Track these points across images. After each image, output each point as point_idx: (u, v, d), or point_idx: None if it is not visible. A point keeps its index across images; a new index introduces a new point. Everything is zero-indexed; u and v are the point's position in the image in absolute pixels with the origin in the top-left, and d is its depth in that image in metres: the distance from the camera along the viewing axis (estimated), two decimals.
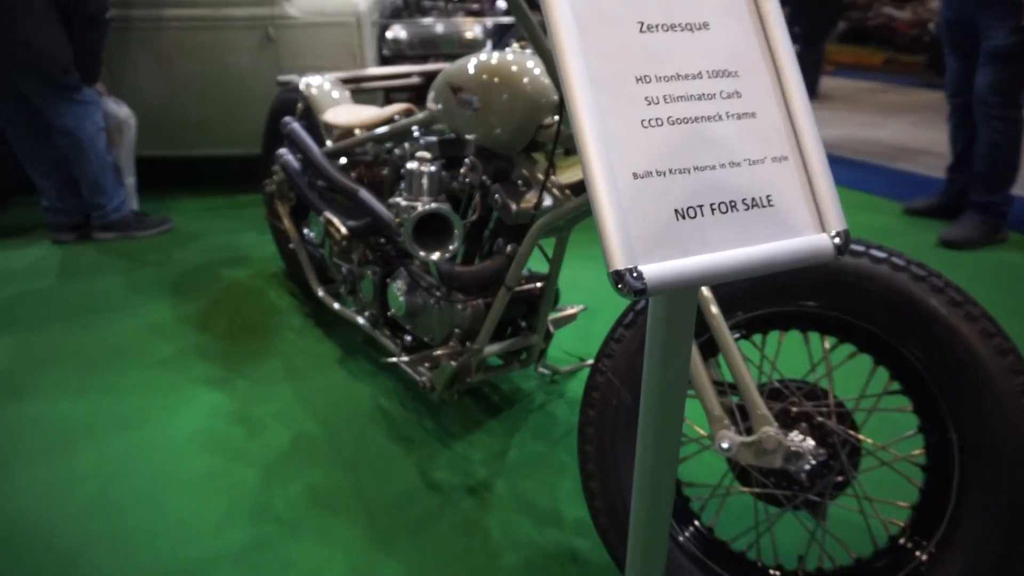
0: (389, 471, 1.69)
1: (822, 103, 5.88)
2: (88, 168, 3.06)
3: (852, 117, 5.48)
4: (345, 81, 2.57)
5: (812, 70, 5.85)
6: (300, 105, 2.36)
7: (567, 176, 1.54)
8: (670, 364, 0.75)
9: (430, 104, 1.69)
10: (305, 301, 2.56)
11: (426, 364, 1.73)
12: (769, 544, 1.29)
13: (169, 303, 2.58)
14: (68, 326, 2.42)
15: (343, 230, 1.91)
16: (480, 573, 1.40)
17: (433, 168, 1.55)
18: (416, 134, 1.87)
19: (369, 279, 1.95)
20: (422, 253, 1.46)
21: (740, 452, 1.11)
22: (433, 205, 1.49)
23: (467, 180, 1.64)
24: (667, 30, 0.69)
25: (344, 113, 2.09)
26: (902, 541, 1.15)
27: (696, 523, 1.28)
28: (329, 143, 2.15)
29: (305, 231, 2.55)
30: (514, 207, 1.55)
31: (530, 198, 1.57)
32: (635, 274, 0.61)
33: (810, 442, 1.14)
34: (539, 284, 1.74)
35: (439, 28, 3.83)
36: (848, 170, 4.11)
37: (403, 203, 1.53)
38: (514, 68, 1.47)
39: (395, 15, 3.99)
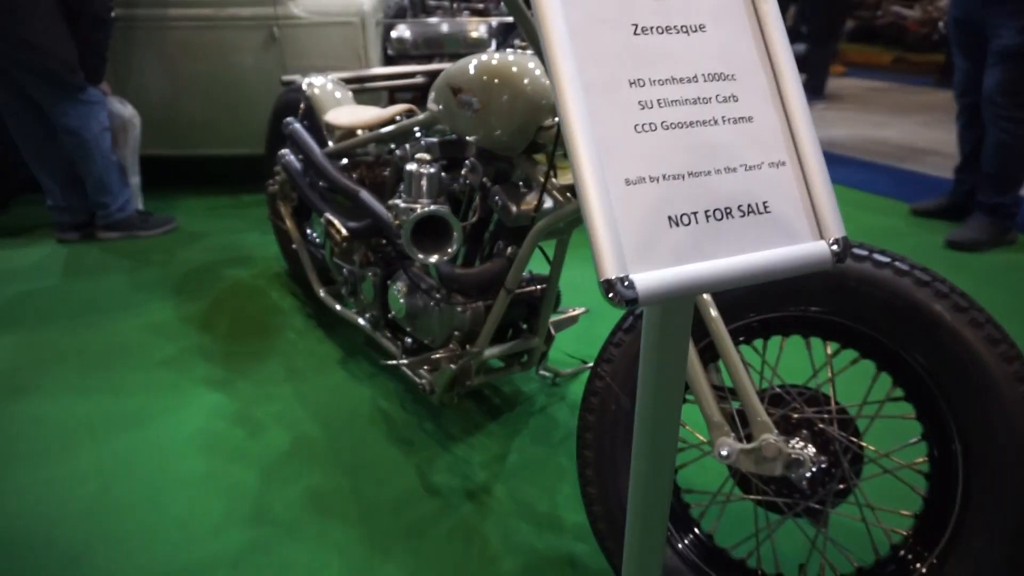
0: (388, 474, 1.68)
1: (829, 103, 5.84)
2: (93, 167, 3.06)
3: (860, 117, 5.44)
4: (348, 81, 2.56)
5: (820, 70, 5.82)
6: (302, 105, 2.36)
7: (568, 178, 1.53)
8: (665, 373, 0.73)
9: (430, 105, 1.67)
10: (307, 302, 2.55)
11: (426, 367, 1.72)
12: (769, 552, 1.27)
13: (172, 303, 2.58)
14: (71, 325, 2.42)
15: (343, 231, 1.90)
16: None
17: (432, 170, 1.54)
18: (418, 134, 1.87)
19: (370, 280, 1.94)
20: (420, 256, 1.45)
21: (740, 459, 1.10)
22: (432, 207, 1.48)
23: (467, 182, 1.63)
24: (662, 32, 0.67)
25: (345, 114, 2.09)
26: (903, 552, 1.13)
27: (695, 530, 1.26)
28: (331, 144, 2.15)
29: (308, 231, 2.55)
30: (514, 209, 1.54)
31: (530, 200, 1.55)
32: (626, 283, 0.59)
33: (811, 449, 1.13)
34: (540, 286, 1.73)
35: (444, 28, 3.82)
36: (855, 170, 4.08)
37: (402, 205, 1.52)
38: (514, 69, 1.45)
39: (399, 15, 3.98)
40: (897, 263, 1.11)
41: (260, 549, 1.47)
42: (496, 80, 1.47)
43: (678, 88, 0.66)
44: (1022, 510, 1.01)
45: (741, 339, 1.23)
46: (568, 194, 1.51)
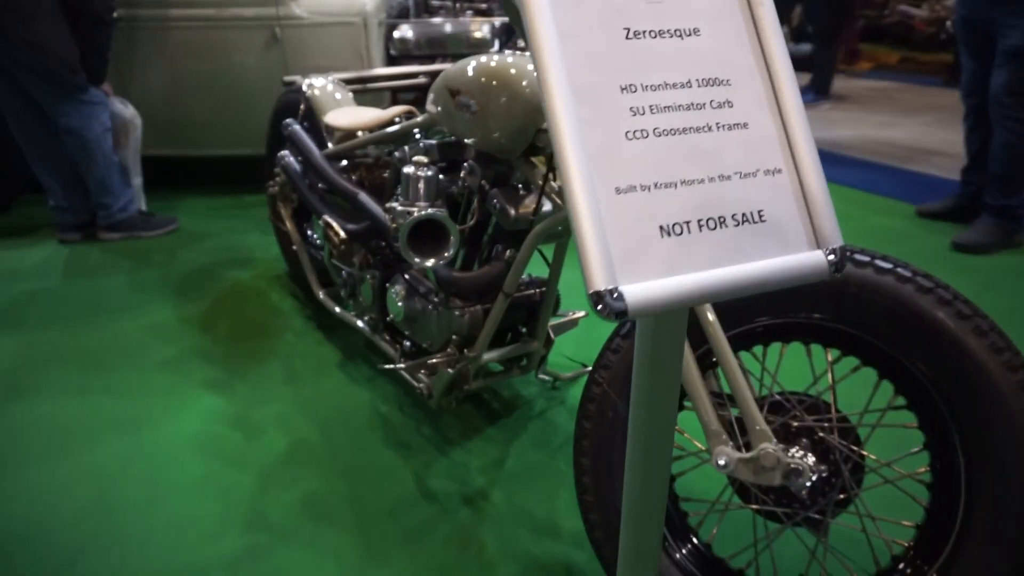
0: (385, 478, 1.67)
1: (835, 102, 5.80)
2: (94, 168, 3.06)
3: (865, 117, 5.41)
4: (349, 82, 2.55)
5: (825, 69, 5.78)
6: (302, 106, 2.34)
7: None
8: (660, 385, 0.72)
9: (429, 107, 1.66)
10: (307, 303, 2.54)
11: (424, 371, 1.70)
12: (769, 561, 1.25)
13: (172, 304, 2.57)
14: (71, 326, 2.42)
15: (342, 233, 1.89)
16: None
17: (430, 173, 1.53)
18: (418, 136, 1.85)
19: (368, 283, 1.93)
20: (417, 259, 1.43)
21: (738, 469, 1.08)
22: (429, 211, 1.46)
23: (466, 184, 1.61)
24: (655, 36, 0.66)
25: (345, 115, 2.07)
26: (905, 563, 1.11)
27: (693, 539, 1.25)
28: (330, 145, 2.13)
29: (308, 232, 2.54)
30: (512, 212, 1.52)
31: (529, 203, 1.54)
32: (615, 295, 0.58)
33: (811, 459, 1.11)
34: (539, 290, 1.71)
35: (447, 28, 3.80)
36: (860, 171, 4.05)
37: (399, 208, 1.50)
38: (512, 71, 1.44)
39: (402, 15, 3.97)
40: (899, 269, 1.09)
41: (256, 554, 1.46)
42: (494, 82, 1.45)
43: (671, 94, 0.65)
44: None
45: (740, 346, 1.21)
46: None
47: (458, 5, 4.26)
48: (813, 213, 0.66)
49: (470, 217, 1.63)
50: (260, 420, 1.90)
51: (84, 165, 3.06)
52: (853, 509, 1.15)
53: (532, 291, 1.71)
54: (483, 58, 1.51)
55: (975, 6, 2.85)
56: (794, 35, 7.01)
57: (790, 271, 0.64)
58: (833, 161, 4.24)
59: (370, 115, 2.03)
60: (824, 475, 1.12)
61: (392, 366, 1.74)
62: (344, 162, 2.11)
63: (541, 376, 1.91)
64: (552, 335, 1.81)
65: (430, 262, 1.44)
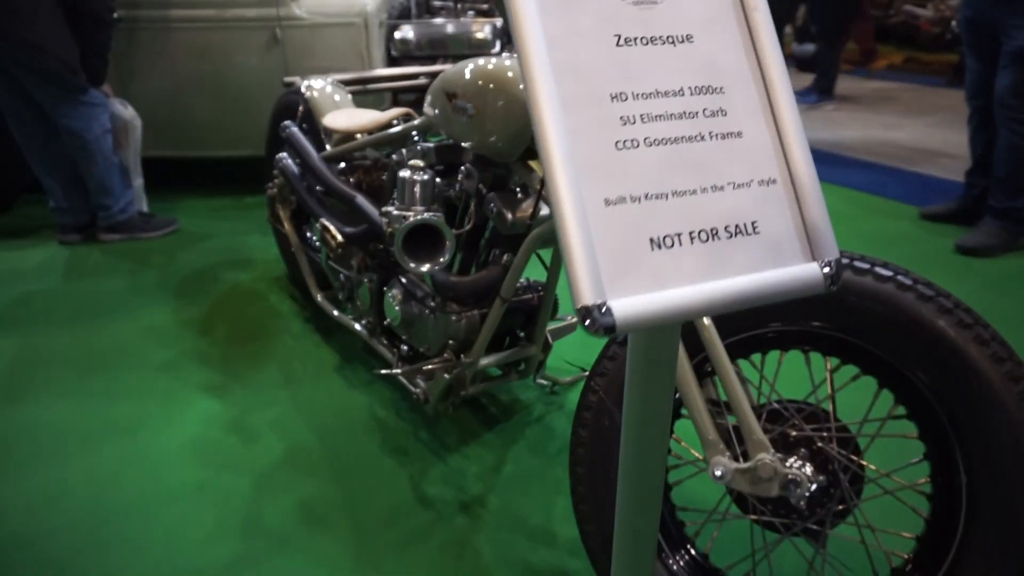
0: (382, 484, 1.66)
1: (839, 103, 5.77)
2: (94, 169, 3.06)
3: (870, 117, 5.38)
4: (349, 83, 2.54)
5: (829, 69, 5.75)
6: (301, 108, 2.33)
7: None
8: (652, 401, 0.70)
9: (427, 109, 1.65)
10: (306, 306, 2.53)
11: (420, 376, 1.69)
12: (766, 572, 1.24)
13: (171, 306, 2.57)
14: (69, 329, 2.41)
15: (339, 237, 1.88)
16: None
17: (426, 177, 1.51)
18: (416, 138, 1.84)
19: (366, 286, 1.92)
20: (412, 265, 1.42)
21: (735, 479, 1.06)
22: (425, 216, 1.45)
23: (463, 188, 1.60)
24: (646, 43, 0.64)
25: (343, 117, 2.06)
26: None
27: (691, 549, 1.23)
28: (328, 147, 2.12)
29: (308, 235, 2.53)
30: (510, 216, 1.51)
31: (526, 207, 1.52)
32: (604, 310, 0.56)
33: (809, 469, 1.09)
34: (537, 294, 1.70)
35: (448, 28, 3.79)
36: (864, 172, 4.02)
37: (395, 212, 1.49)
38: (510, 74, 1.42)
39: (403, 15, 3.95)
40: (900, 277, 1.07)
41: (249, 562, 1.45)
42: (491, 85, 1.44)
43: (663, 102, 0.63)
44: None
45: (738, 353, 1.19)
46: None
47: (459, 6, 4.25)
48: (808, 224, 0.65)
49: (467, 221, 1.62)
50: (257, 424, 1.89)
51: (84, 166, 3.06)
52: (852, 520, 1.13)
53: (530, 295, 1.70)
54: (480, 61, 1.50)
55: (980, 7, 2.82)
56: (798, 35, 6.98)
57: (784, 284, 0.63)
58: (836, 162, 4.21)
59: (368, 117, 2.02)
60: (823, 485, 1.11)
61: (388, 371, 1.73)
62: (342, 164, 2.09)
63: (539, 381, 1.89)
64: (550, 339, 1.80)
65: (425, 267, 1.43)
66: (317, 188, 2.11)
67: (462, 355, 1.64)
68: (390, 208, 1.52)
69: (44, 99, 2.93)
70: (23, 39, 2.74)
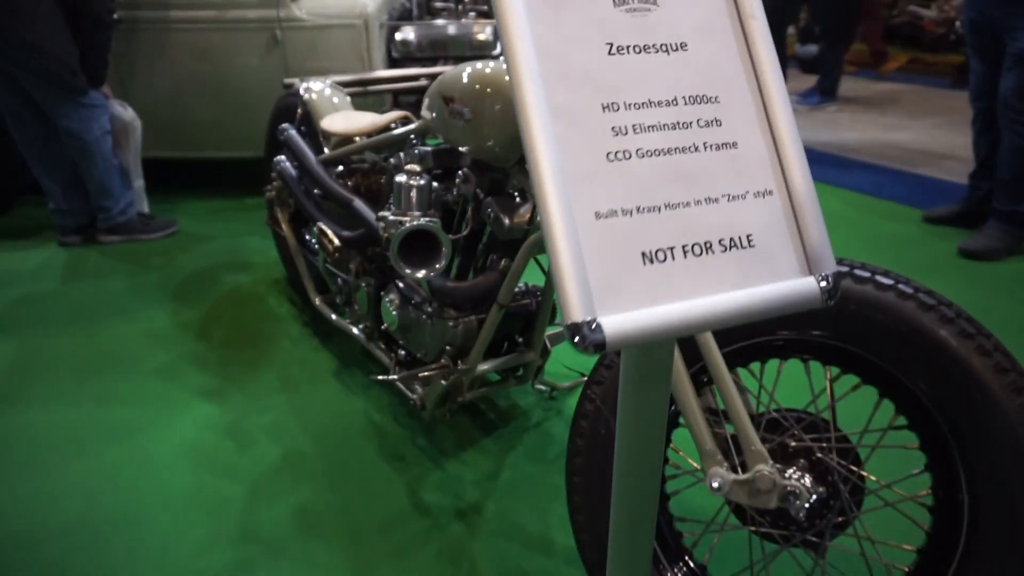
0: (378, 491, 1.64)
1: (842, 104, 5.75)
2: (94, 171, 3.05)
3: (873, 119, 5.35)
4: (348, 84, 2.53)
5: (833, 70, 5.72)
6: (299, 110, 2.32)
7: None
8: (646, 417, 0.69)
9: (424, 113, 1.63)
10: (304, 309, 2.52)
11: (417, 381, 1.68)
12: None
13: (169, 309, 2.56)
14: (67, 331, 2.40)
15: (336, 241, 1.86)
16: None
17: (422, 182, 1.50)
18: (415, 141, 1.82)
19: (364, 291, 1.90)
20: (408, 271, 1.41)
21: (733, 491, 1.05)
22: (421, 221, 1.43)
23: (460, 193, 1.58)
24: (639, 51, 0.63)
25: (341, 120, 2.05)
26: None
27: (689, 561, 1.22)
28: (326, 150, 2.11)
29: (307, 237, 2.51)
30: (507, 221, 1.49)
31: (524, 212, 1.51)
32: (593, 326, 0.55)
33: (808, 480, 1.08)
34: (535, 299, 1.68)
35: (450, 30, 3.78)
36: (867, 174, 4.00)
37: (391, 217, 1.48)
38: (507, 78, 1.40)
39: (404, 16, 3.94)
40: (901, 286, 1.06)
41: (244, 568, 1.44)
42: (489, 89, 1.42)
43: (656, 112, 0.62)
44: None
45: (737, 362, 1.17)
46: None
47: (461, 7, 4.23)
48: (805, 237, 0.63)
49: (464, 226, 1.60)
50: (253, 429, 1.87)
51: (84, 167, 3.05)
52: (852, 531, 1.12)
53: (528, 300, 1.68)
54: (478, 65, 1.48)
55: (984, 8, 2.80)
56: (801, 36, 6.95)
57: (780, 299, 0.61)
58: (839, 164, 4.19)
59: (366, 120, 2.01)
60: (822, 497, 1.09)
61: (385, 377, 1.71)
62: (340, 167, 2.08)
63: (538, 386, 1.88)
64: (549, 345, 1.78)
65: (421, 273, 1.42)
66: (315, 191, 2.10)
67: (459, 361, 1.62)
68: (386, 213, 1.51)
69: (44, 100, 2.93)
70: (23, 40, 2.74)
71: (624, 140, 0.60)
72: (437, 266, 1.42)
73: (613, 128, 0.60)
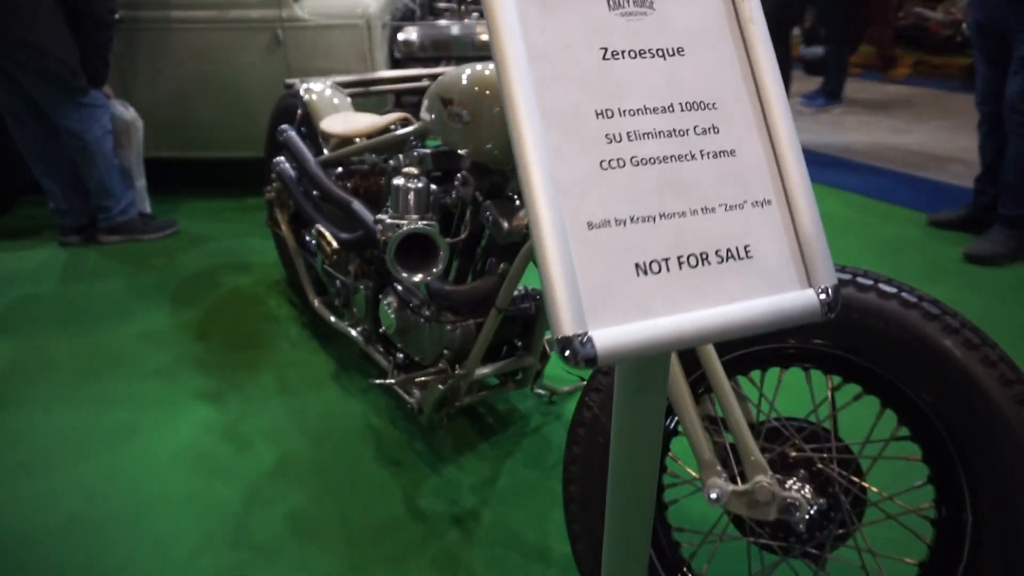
0: (374, 496, 1.63)
1: (847, 106, 5.72)
2: (95, 171, 3.04)
3: (878, 121, 5.32)
4: (350, 85, 2.51)
5: (838, 72, 5.69)
6: (299, 111, 2.31)
7: None
8: (641, 432, 0.67)
9: (423, 114, 1.62)
10: (303, 311, 2.51)
11: (415, 386, 1.66)
12: None
13: (168, 310, 2.55)
14: (65, 332, 2.40)
15: (334, 243, 1.85)
16: None
17: (420, 184, 1.48)
18: (415, 143, 1.81)
19: (362, 293, 1.89)
20: (405, 274, 1.39)
21: (731, 502, 1.03)
22: (418, 224, 1.42)
23: (459, 195, 1.57)
24: (635, 56, 0.61)
25: (340, 121, 2.03)
26: None
27: (686, 572, 1.20)
28: (326, 151, 2.10)
29: (307, 238, 2.50)
30: (506, 225, 1.48)
31: (523, 216, 1.49)
32: (584, 341, 0.53)
33: (808, 491, 1.06)
34: (534, 303, 1.67)
35: (453, 30, 3.76)
36: (872, 178, 3.97)
37: (388, 220, 1.46)
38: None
39: (407, 17, 3.93)
40: (904, 294, 1.04)
41: (238, 573, 1.43)
42: (487, 92, 1.41)
43: (651, 119, 0.60)
44: None
45: (736, 370, 1.16)
46: None
47: (463, 7, 4.21)
48: (804, 248, 0.61)
49: (463, 229, 1.59)
50: (250, 432, 1.86)
51: (84, 167, 3.05)
52: (853, 543, 1.10)
53: (527, 304, 1.66)
54: (477, 66, 1.47)
55: (990, 11, 2.77)
56: (806, 38, 6.91)
57: (778, 312, 0.59)
58: (844, 167, 4.16)
59: (366, 121, 1.99)
60: (823, 508, 1.08)
61: (382, 381, 1.70)
62: (340, 169, 2.07)
63: (537, 390, 1.86)
64: (548, 349, 1.76)
65: (418, 277, 1.40)
66: (314, 193, 2.09)
67: (457, 365, 1.61)
68: (384, 216, 1.49)
69: (44, 100, 2.92)
70: (23, 40, 2.73)
71: (618, 148, 0.58)
72: (434, 270, 1.40)
73: (607, 135, 0.58)
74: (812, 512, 1.05)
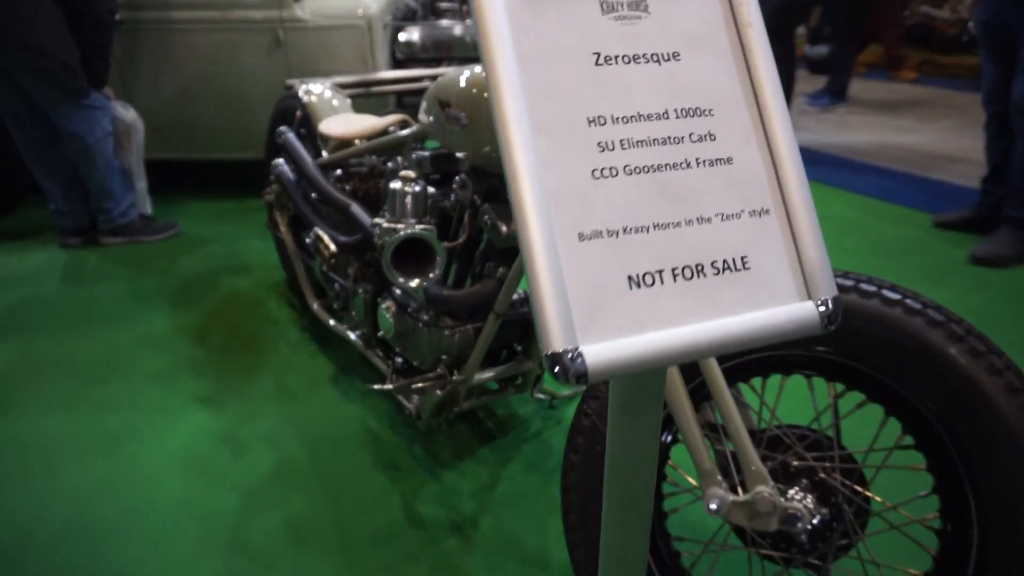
0: (372, 502, 1.61)
1: (852, 106, 5.68)
2: (95, 172, 3.04)
3: (883, 121, 5.29)
4: (350, 86, 2.50)
5: (843, 71, 5.65)
6: (298, 113, 2.30)
7: None
8: (635, 450, 0.65)
9: (421, 117, 1.60)
10: (303, 314, 2.49)
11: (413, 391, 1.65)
12: None
13: (168, 313, 2.54)
14: (64, 336, 2.39)
15: (332, 247, 1.84)
16: None
17: (417, 188, 1.47)
18: (415, 146, 1.79)
19: (361, 297, 1.87)
20: (401, 279, 1.37)
21: (731, 513, 1.01)
22: (415, 229, 1.40)
23: (457, 199, 1.55)
24: (628, 62, 0.59)
25: (338, 123, 2.02)
26: None
27: None
28: (325, 154, 2.08)
29: (306, 241, 2.49)
30: (504, 229, 1.46)
31: None
32: (575, 356, 0.51)
33: (810, 501, 1.04)
34: None
35: (455, 31, 3.74)
36: (877, 178, 3.94)
37: (385, 225, 1.44)
38: None
39: (408, 17, 3.91)
40: (908, 301, 1.02)
41: None
42: (485, 95, 1.39)
43: (645, 126, 0.58)
44: None
45: (737, 377, 1.14)
46: None
47: (465, 7, 4.20)
48: (804, 259, 0.60)
49: (461, 233, 1.57)
50: (248, 438, 1.85)
51: (85, 169, 3.04)
52: (856, 554, 1.08)
53: (526, 309, 1.65)
54: (476, 68, 1.45)
55: (997, 11, 2.74)
56: (811, 37, 6.87)
57: (777, 326, 0.58)
58: (848, 168, 4.13)
59: (365, 123, 1.98)
60: (825, 518, 1.06)
61: (380, 386, 1.68)
62: (338, 171, 2.05)
63: (537, 395, 1.84)
64: None
65: (414, 282, 1.38)
66: (312, 195, 2.07)
67: (455, 371, 1.59)
68: (380, 220, 1.48)
69: (45, 102, 2.91)
70: (23, 41, 2.72)
71: (611, 156, 0.57)
72: (431, 275, 1.39)
73: (599, 144, 0.57)
74: (814, 522, 1.04)
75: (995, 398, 0.96)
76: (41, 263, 2.99)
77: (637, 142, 0.58)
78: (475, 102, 1.41)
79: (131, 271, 2.90)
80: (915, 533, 1.07)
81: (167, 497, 1.65)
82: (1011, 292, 2.58)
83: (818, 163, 4.19)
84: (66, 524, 1.57)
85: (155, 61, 3.40)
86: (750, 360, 1.12)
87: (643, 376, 0.61)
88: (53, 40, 2.78)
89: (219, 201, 3.71)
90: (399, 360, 1.80)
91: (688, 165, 0.59)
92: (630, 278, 0.55)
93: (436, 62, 3.66)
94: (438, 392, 1.58)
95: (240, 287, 2.73)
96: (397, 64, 3.64)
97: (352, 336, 2.00)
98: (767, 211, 0.60)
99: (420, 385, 1.57)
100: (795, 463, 1.09)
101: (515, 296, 1.64)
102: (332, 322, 2.13)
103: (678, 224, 0.57)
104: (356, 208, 1.81)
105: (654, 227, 0.56)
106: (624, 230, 0.55)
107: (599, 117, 0.57)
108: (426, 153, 1.67)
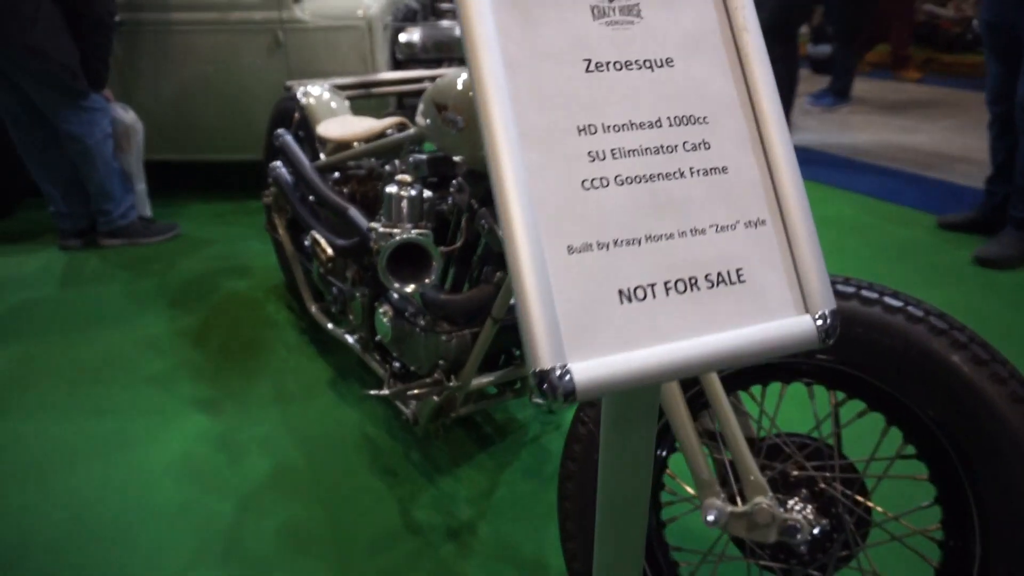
0: (369, 508, 1.60)
1: (855, 106, 5.65)
2: (95, 174, 3.03)
3: (887, 121, 5.26)
4: (350, 87, 2.48)
5: (845, 71, 5.63)
6: (296, 115, 2.28)
7: None
8: (628, 467, 0.64)
9: (418, 119, 1.59)
10: (301, 316, 2.48)
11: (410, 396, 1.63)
12: None
13: (167, 315, 2.53)
14: (63, 339, 2.38)
15: (329, 251, 1.82)
16: None
17: (413, 192, 1.45)
18: (413, 149, 1.78)
19: (358, 301, 1.86)
20: (396, 285, 1.36)
21: (730, 524, 0.99)
22: (411, 234, 1.39)
23: (454, 202, 1.53)
24: (620, 68, 0.58)
25: (337, 125, 2.01)
26: None
27: None
28: (323, 156, 2.07)
29: (305, 243, 2.48)
30: (501, 233, 1.44)
31: None
32: (563, 374, 0.50)
33: (810, 512, 1.02)
34: None
35: (456, 31, 3.73)
36: (880, 179, 3.91)
37: (381, 229, 1.43)
38: None
39: (408, 18, 3.90)
40: (910, 308, 1.00)
41: None
42: None
43: (637, 135, 0.57)
44: None
45: (736, 385, 1.12)
46: None
47: None
48: (801, 272, 0.58)
49: (459, 237, 1.55)
50: (245, 442, 1.84)
51: (84, 171, 3.03)
52: (856, 565, 1.06)
53: None
54: None
55: (1001, 10, 2.72)
56: (814, 36, 6.85)
57: (773, 340, 0.56)
58: (851, 168, 4.11)
59: (362, 126, 1.96)
60: (825, 529, 1.04)
61: (377, 392, 1.66)
62: (336, 174, 2.04)
63: (535, 400, 1.82)
64: None
65: (410, 288, 1.37)
66: (310, 198, 2.06)
67: (453, 376, 1.57)
68: (377, 224, 1.46)
69: (44, 103, 2.91)
70: (22, 43, 2.71)
71: (602, 166, 0.55)
72: (427, 280, 1.37)
73: (590, 153, 0.55)
74: (814, 533, 1.02)
75: (999, 407, 0.94)
76: (41, 265, 2.98)
77: (629, 151, 0.56)
78: (472, 105, 1.39)
79: (130, 273, 2.89)
80: (917, 544, 1.05)
81: (164, 501, 1.63)
82: (1016, 293, 2.55)
83: (821, 163, 4.16)
84: (63, 527, 1.56)
85: (155, 62, 3.39)
86: (749, 368, 1.10)
87: (635, 393, 0.59)
88: (53, 41, 2.77)
89: (219, 202, 3.70)
90: (397, 365, 1.78)
91: (681, 175, 0.57)
92: (621, 292, 0.53)
93: (437, 63, 3.65)
94: (435, 397, 1.56)
95: (239, 289, 2.72)
96: (397, 65, 3.63)
97: (350, 340, 1.98)
98: (763, 222, 0.58)
99: (417, 391, 1.55)
100: (795, 472, 1.07)
101: (512, 301, 1.62)
102: (330, 326, 2.12)
103: (671, 236, 0.56)
104: (353, 211, 1.79)
105: (646, 239, 0.55)
106: (615, 242, 0.54)
107: (590, 125, 0.55)
108: (423, 156, 1.65)
